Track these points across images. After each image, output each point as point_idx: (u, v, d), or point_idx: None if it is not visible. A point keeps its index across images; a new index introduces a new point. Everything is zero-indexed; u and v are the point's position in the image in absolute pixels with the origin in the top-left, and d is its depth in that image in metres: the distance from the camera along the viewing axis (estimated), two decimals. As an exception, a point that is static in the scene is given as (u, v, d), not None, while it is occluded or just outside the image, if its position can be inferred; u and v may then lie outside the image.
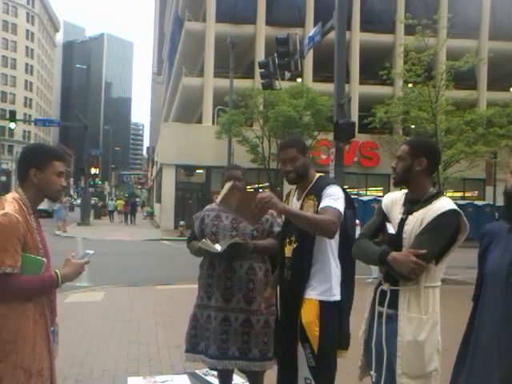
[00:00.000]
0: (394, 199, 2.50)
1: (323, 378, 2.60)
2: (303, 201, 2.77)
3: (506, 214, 1.65)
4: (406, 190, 2.50)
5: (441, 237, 2.22)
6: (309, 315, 2.60)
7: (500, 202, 19.85)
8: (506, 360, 1.59)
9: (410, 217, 2.34)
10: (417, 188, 2.40)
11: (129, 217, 32.93)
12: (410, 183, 2.43)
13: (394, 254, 2.24)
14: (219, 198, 2.61)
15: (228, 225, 3.20)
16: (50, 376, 2.08)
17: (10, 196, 2.05)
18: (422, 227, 2.26)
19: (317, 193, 2.71)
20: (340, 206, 2.60)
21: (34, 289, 2.00)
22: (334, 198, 2.61)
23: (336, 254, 2.71)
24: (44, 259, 2.05)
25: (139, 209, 54.12)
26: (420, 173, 2.38)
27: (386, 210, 2.48)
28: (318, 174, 2.87)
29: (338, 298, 2.65)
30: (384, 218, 2.47)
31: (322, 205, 2.61)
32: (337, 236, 2.66)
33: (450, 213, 2.25)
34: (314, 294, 2.63)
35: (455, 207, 2.28)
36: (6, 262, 1.89)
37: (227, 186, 2.59)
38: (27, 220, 2.01)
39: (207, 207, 3.46)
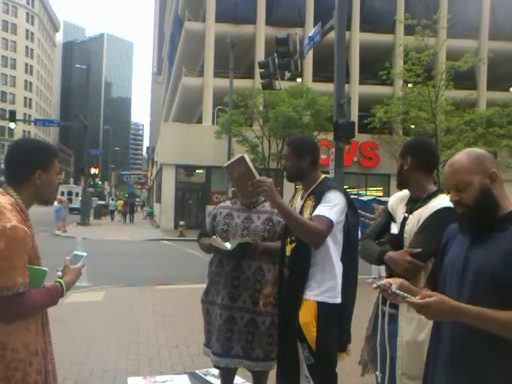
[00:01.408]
0: (399, 199, 2.52)
1: (321, 376, 2.61)
2: (304, 201, 2.78)
3: (459, 226, 1.76)
4: None
5: (435, 235, 2.19)
6: (306, 316, 2.60)
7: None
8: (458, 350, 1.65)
9: (411, 216, 2.36)
10: (415, 187, 2.42)
11: (127, 216, 34.32)
12: (406, 183, 2.46)
13: (390, 253, 2.27)
14: (227, 163, 2.76)
15: (239, 224, 3.20)
16: None
17: (6, 202, 1.83)
18: (419, 226, 2.29)
19: (317, 194, 2.71)
20: (333, 214, 2.58)
21: (43, 304, 1.90)
22: (329, 206, 2.60)
23: (339, 255, 2.70)
24: (46, 269, 1.94)
25: (139, 209, 55.82)
26: (410, 171, 2.41)
27: (392, 210, 2.51)
28: (323, 176, 2.86)
29: (337, 299, 2.64)
30: (390, 218, 2.50)
31: (315, 211, 2.61)
32: (340, 237, 2.67)
33: (443, 210, 2.24)
34: (311, 294, 2.63)
35: (450, 204, 2.29)
36: (18, 281, 1.74)
37: (239, 155, 2.74)
38: (28, 228, 1.86)
39: (220, 204, 3.49)
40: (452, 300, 1.52)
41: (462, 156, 1.72)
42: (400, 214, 2.44)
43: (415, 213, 2.34)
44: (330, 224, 2.55)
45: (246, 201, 3.02)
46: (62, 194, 47.68)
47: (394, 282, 1.70)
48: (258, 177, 2.59)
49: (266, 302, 3.01)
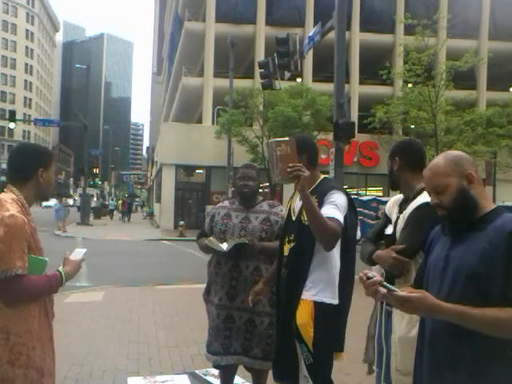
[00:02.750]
0: (394, 201, 2.60)
1: (320, 375, 2.61)
2: None
3: (441, 227, 1.83)
4: None
5: (418, 230, 2.24)
6: (303, 316, 2.60)
7: (499, 201, 19.88)
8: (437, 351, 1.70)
9: (400, 216, 2.44)
10: (405, 187, 2.50)
11: (125, 215, 36.29)
12: (397, 184, 2.53)
13: (377, 252, 2.35)
14: (274, 139, 2.64)
15: (237, 224, 3.20)
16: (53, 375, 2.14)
17: (7, 197, 2.03)
18: (404, 223, 2.36)
19: (319, 194, 2.70)
20: (341, 215, 2.61)
21: (43, 289, 2.03)
22: (335, 207, 2.61)
23: (338, 255, 2.70)
24: (47, 259, 2.08)
25: (139, 209, 58.92)
26: (399, 172, 2.49)
27: (388, 212, 2.59)
28: (322, 176, 2.87)
29: (335, 300, 2.64)
30: (388, 220, 2.57)
31: (324, 211, 2.60)
32: None
33: (423, 206, 2.27)
34: (309, 294, 2.62)
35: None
36: (16, 264, 1.89)
37: (289, 138, 2.62)
38: (28, 221, 2.03)
39: (219, 204, 3.49)
40: (434, 298, 1.57)
41: (439, 159, 1.76)
42: (394, 215, 2.52)
43: (404, 212, 2.42)
44: (340, 225, 2.58)
45: (277, 179, 2.76)
46: (80, 196, 50.10)
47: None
48: (298, 162, 2.52)
49: (255, 300, 2.99)
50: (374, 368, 2.46)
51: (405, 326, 2.25)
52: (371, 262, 2.41)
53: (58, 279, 2.07)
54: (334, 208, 2.60)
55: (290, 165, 2.49)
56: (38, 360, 2.00)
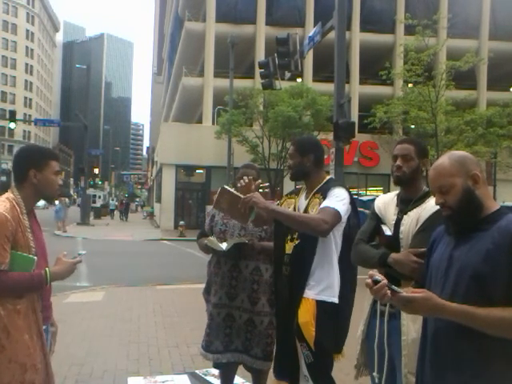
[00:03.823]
0: (386, 201, 2.52)
1: (320, 375, 2.60)
2: (310, 199, 2.79)
3: (445, 227, 1.83)
4: (396, 192, 2.54)
5: None
6: (305, 315, 2.60)
7: (500, 201, 19.86)
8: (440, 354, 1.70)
9: (405, 217, 2.36)
10: (414, 187, 2.43)
11: (123, 214, 37.93)
12: (411, 183, 2.43)
13: (394, 255, 2.24)
14: (214, 202, 2.87)
15: (237, 224, 3.20)
16: (45, 372, 2.15)
17: (3, 196, 2.13)
18: (418, 226, 2.28)
19: (324, 192, 2.73)
20: (340, 206, 2.62)
21: (23, 285, 2.05)
22: (335, 199, 2.63)
23: (337, 254, 2.70)
24: (35, 257, 2.10)
25: (139, 209, 59.89)
26: (420, 173, 2.44)
27: (380, 212, 2.50)
28: (328, 176, 2.89)
29: (335, 299, 2.63)
30: (378, 220, 2.48)
31: (322, 204, 2.65)
32: (340, 237, 2.68)
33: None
34: (311, 293, 2.63)
35: None
36: None
37: (218, 191, 2.84)
38: (19, 219, 2.07)
39: None
40: (438, 298, 1.57)
41: (444, 159, 1.76)
42: (391, 215, 2.43)
43: (410, 213, 2.34)
44: (336, 214, 2.58)
45: (245, 224, 3.04)
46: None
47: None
48: (242, 197, 2.68)
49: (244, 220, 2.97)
50: (375, 374, 2.41)
51: (418, 327, 2.18)
52: (379, 265, 2.29)
53: (42, 277, 2.08)
54: (332, 199, 2.63)
55: (239, 206, 2.68)
56: (22, 355, 2.02)
